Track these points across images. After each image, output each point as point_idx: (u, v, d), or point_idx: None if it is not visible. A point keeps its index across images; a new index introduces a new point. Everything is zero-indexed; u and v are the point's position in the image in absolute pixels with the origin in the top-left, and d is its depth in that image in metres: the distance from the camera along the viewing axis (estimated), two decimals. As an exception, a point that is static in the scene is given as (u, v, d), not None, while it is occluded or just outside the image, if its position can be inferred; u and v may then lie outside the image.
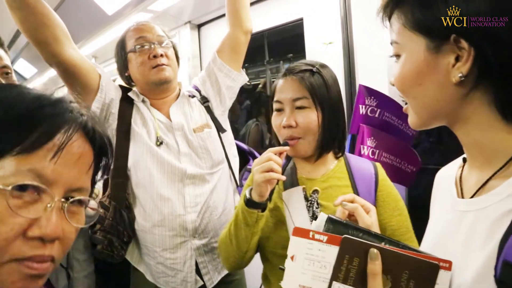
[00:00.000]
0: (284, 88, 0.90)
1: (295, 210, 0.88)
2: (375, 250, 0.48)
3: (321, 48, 1.56)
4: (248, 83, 2.41)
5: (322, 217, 0.56)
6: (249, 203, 0.85)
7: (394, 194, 0.91)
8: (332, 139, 0.91)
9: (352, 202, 0.71)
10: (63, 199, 0.47)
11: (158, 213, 1.21)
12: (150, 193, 1.21)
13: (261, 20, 1.89)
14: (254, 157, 1.51)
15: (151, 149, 1.22)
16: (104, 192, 1.30)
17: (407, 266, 0.48)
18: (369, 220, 0.70)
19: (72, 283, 1.21)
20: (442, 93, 0.48)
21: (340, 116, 0.93)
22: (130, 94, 1.27)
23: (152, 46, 1.23)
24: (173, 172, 1.22)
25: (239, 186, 1.39)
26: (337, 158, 0.97)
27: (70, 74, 1.12)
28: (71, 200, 0.48)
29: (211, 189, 1.26)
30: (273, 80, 2.44)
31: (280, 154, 0.86)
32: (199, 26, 2.34)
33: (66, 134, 0.47)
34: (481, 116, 0.48)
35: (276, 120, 0.92)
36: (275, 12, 1.84)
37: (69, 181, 0.47)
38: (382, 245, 0.51)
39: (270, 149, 0.86)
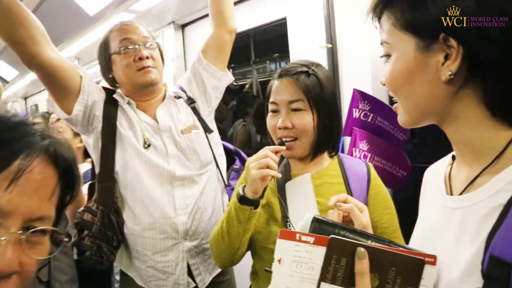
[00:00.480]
0: (279, 90, 0.91)
1: (300, 199, 0.87)
2: (362, 249, 0.48)
3: (305, 48, 1.58)
4: (235, 83, 2.41)
5: (308, 217, 0.56)
6: (242, 199, 0.86)
7: (385, 194, 0.93)
8: (327, 139, 0.93)
9: (345, 202, 0.71)
10: (20, 231, 0.44)
11: (149, 216, 1.20)
12: (140, 196, 1.20)
13: (246, 19, 1.89)
14: (240, 157, 1.51)
15: (139, 152, 1.20)
16: (90, 197, 1.29)
17: (393, 263, 0.48)
18: (365, 219, 0.69)
19: None
20: (432, 91, 0.49)
21: (335, 117, 0.94)
22: (115, 96, 1.25)
23: (137, 47, 1.21)
24: (162, 174, 1.21)
25: (227, 186, 1.39)
26: (331, 157, 0.98)
27: (49, 76, 1.09)
28: (32, 230, 0.45)
29: (200, 190, 1.26)
30: (259, 80, 2.44)
31: (276, 153, 0.86)
32: (183, 26, 2.32)
33: (24, 160, 0.45)
34: (470, 114, 0.49)
35: (272, 121, 0.93)
36: (259, 11, 1.85)
37: (28, 210, 0.45)
38: (369, 243, 0.51)
39: (266, 147, 0.87)
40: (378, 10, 0.53)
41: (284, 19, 1.70)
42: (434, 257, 0.48)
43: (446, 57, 0.46)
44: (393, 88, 0.53)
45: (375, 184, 0.93)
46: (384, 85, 0.55)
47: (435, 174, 0.62)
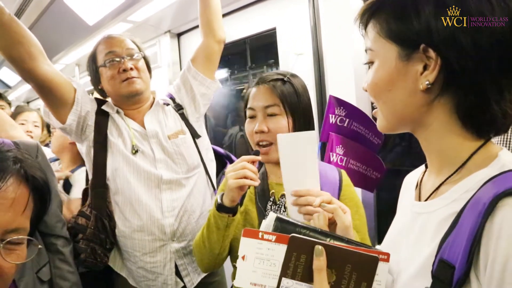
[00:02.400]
0: (256, 96, 0.95)
1: (299, 162, 0.77)
2: (320, 247, 0.51)
3: (293, 57, 1.63)
4: (232, 89, 2.46)
5: (271, 216, 0.58)
6: (220, 207, 0.90)
7: (356, 201, 0.96)
8: None
9: (330, 203, 0.72)
10: None
11: (138, 219, 1.25)
12: (129, 200, 1.25)
13: (238, 28, 1.95)
14: (231, 161, 1.55)
15: (127, 158, 1.26)
16: (84, 202, 1.34)
17: (349, 259, 0.51)
18: (348, 220, 0.69)
19: None
20: (410, 99, 0.51)
21: (310, 123, 0.98)
22: (104, 107, 1.31)
23: (122, 60, 1.26)
24: (149, 178, 1.26)
25: (216, 190, 1.43)
26: None
27: (45, 89, 1.16)
28: (8, 240, 0.54)
29: (187, 193, 1.30)
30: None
31: (253, 162, 0.89)
32: (179, 35, 2.39)
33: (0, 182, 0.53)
34: (442, 123, 0.51)
35: (249, 126, 0.97)
36: (251, 21, 1.91)
37: (3, 224, 0.54)
38: (327, 241, 0.53)
39: (243, 157, 0.90)
40: (365, 18, 0.56)
41: (274, 29, 1.76)
42: (387, 254, 0.52)
43: (425, 67, 0.49)
44: (374, 93, 0.56)
45: (347, 190, 0.95)
46: (366, 90, 0.58)
47: (411, 180, 0.66)
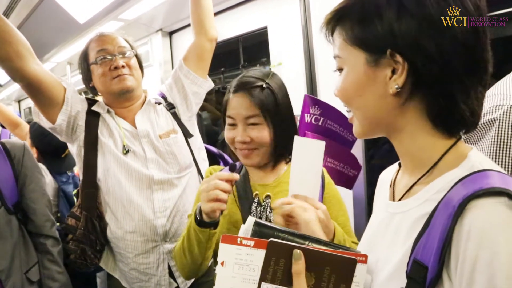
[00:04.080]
0: (235, 104, 0.90)
1: (306, 166, 0.76)
2: (298, 251, 0.51)
3: (284, 55, 1.63)
4: (224, 87, 2.46)
5: (250, 221, 0.57)
6: (201, 223, 0.85)
7: (338, 197, 0.96)
8: (285, 149, 0.93)
9: (288, 204, 0.70)
10: None
11: (130, 220, 1.24)
12: (121, 201, 1.24)
13: (230, 27, 1.95)
14: (224, 160, 1.54)
15: (118, 158, 1.24)
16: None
17: (328, 262, 0.51)
18: (307, 215, 0.69)
19: None
20: (381, 103, 0.52)
21: (291, 127, 0.96)
22: (94, 107, 1.29)
23: (113, 58, 1.25)
24: (140, 179, 1.25)
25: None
26: (287, 163, 1.00)
27: (34, 88, 1.14)
28: None
29: (179, 193, 1.29)
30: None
31: (229, 181, 0.83)
32: (171, 34, 2.38)
33: None
34: (414, 125, 0.52)
35: (229, 134, 0.94)
36: (243, 20, 1.91)
37: None
38: (306, 244, 0.54)
39: (218, 175, 0.83)
40: (331, 26, 0.56)
41: (265, 27, 1.76)
42: (365, 256, 0.52)
43: (393, 71, 0.49)
44: (345, 99, 0.56)
45: (329, 188, 0.95)
46: (337, 96, 0.58)
47: (385, 178, 0.66)
